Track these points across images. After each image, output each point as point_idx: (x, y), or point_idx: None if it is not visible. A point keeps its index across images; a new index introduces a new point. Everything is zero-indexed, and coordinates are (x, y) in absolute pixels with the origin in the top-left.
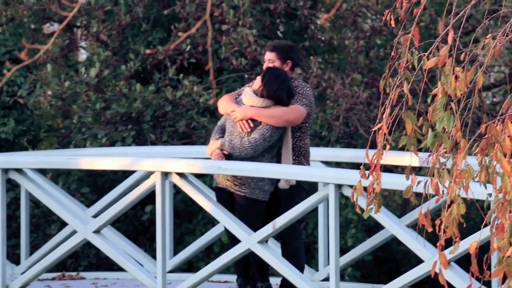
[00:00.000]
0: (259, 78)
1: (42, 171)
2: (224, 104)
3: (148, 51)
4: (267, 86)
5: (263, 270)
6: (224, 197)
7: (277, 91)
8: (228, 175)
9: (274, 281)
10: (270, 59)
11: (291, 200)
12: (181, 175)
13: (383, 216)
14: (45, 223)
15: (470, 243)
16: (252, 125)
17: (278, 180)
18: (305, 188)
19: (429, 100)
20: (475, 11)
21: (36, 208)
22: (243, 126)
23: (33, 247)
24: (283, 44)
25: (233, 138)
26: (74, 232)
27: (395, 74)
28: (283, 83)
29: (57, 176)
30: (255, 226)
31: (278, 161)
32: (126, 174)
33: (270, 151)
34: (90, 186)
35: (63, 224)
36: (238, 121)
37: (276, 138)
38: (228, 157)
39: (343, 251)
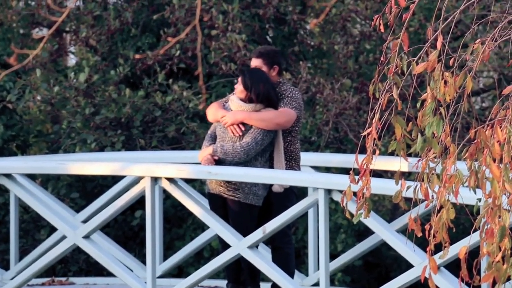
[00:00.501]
0: (239, 86)
1: (32, 176)
2: (213, 111)
3: (137, 56)
4: (253, 90)
5: (254, 275)
6: (217, 203)
7: (264, 91)
8: (221, 181)
9: (265, 287)
10: (256, 65)
11: (282, 205)
12: (171, 180)
13: (373, 221)
14: (35, 229)
15: (459, 248)
16: (243, 129)
17: (271, 185)
18: (296, 193)
19: (418, 105)
20: (464, 16)
21: (26, 214)
22: (234, 131)
23: (23, 253)
24: (268, 49)
25: (225, 143)
26: (63, 237)
27: (385, 79)
28: (266, 81)
29: (47, 181)
30: (248, 231)
31: (271, 165)
32: (115, 179)
33: (262, 155)
34: (79, 191)
35: (53, 229)
36: (229, 126)
37: (268, 141)
38: (221, 162)
39: (333, 256)
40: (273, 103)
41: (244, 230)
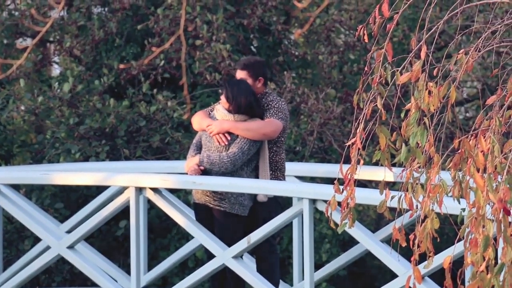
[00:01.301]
0: (223, 97)
1: (15, 187)
2: (198, 120)
3: (121, 66)
4: (234, 101)
5: (239, 285)
6: (203, 213)
7: (246, 103)
8: (207, 191)
9: None
10: (242, 77)
11: (267, 214)
12: (155, 190)
13: (357, 231)
14: (19, 239)
15: (444, 258)
16: (229, 138)
17: (256, 194)
18: (280, 203)
19: (402, 115)
20: (448, 26)
21: (10, 224)
22: (220, 140)
23: (7, 263)
24: (253, 61)
25: (211, 153)
26: (47, 247)
27: (369, 89)
28: (248, 93)
29: (31, 191)
30: (234, 241)
31: (256, 175)
32: (100, 189)
33: (248, 165)
34: (63, 202)
35: (37, 239)
36: (215, 135)
37: (254, 151)
38: (207, 172)
39: (317, 266)
40: (256, 114)
41: (230, 240)
